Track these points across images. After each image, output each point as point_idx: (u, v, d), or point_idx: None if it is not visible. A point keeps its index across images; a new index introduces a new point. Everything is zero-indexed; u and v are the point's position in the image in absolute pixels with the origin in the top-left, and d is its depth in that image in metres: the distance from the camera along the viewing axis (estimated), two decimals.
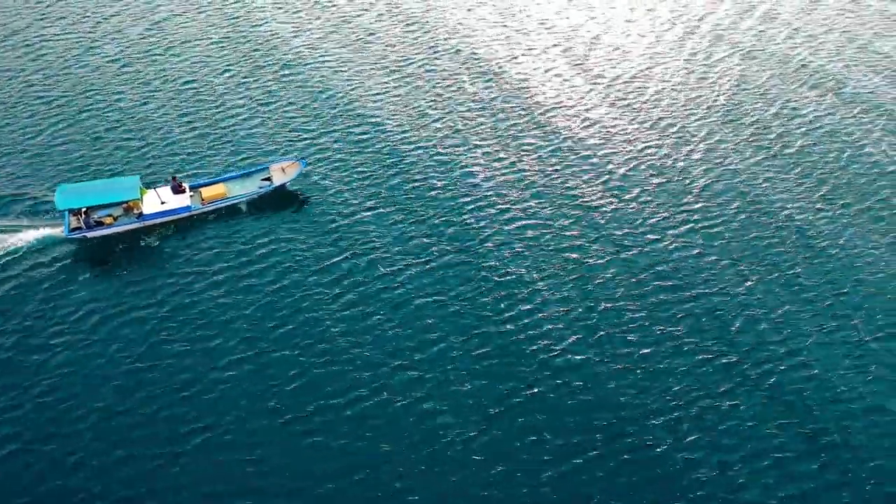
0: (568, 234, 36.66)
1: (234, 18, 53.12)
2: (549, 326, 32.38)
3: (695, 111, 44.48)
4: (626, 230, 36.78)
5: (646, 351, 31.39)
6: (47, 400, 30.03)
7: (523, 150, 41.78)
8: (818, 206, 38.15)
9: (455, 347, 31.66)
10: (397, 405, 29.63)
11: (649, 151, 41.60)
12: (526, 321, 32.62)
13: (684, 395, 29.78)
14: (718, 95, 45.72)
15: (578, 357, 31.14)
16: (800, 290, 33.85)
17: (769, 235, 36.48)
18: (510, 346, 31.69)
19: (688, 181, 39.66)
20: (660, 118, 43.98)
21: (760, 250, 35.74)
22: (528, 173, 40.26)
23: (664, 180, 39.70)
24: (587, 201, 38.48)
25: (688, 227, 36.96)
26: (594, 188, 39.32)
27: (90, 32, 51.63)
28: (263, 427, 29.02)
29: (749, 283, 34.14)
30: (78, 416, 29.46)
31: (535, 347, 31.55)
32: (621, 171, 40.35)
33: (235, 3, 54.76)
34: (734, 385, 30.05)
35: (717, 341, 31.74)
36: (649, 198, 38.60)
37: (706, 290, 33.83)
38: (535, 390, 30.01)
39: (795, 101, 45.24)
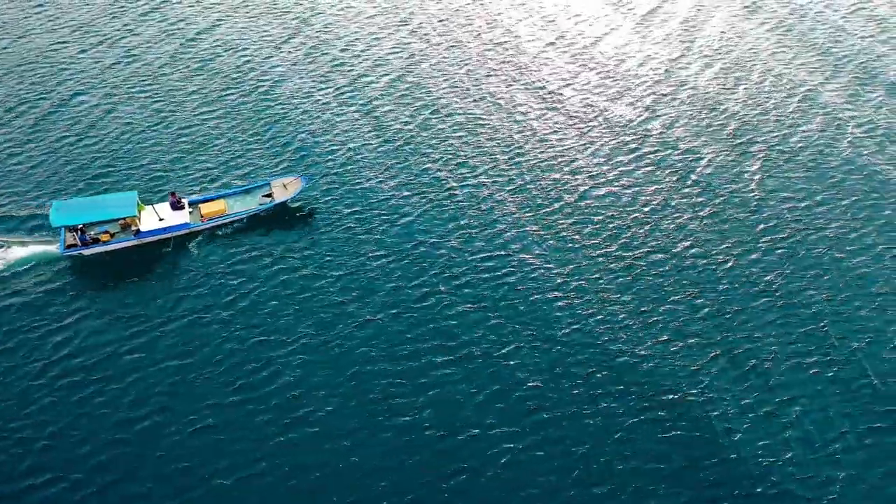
0: (571, 240, 35.74)
1: (235, 33, 52.35)
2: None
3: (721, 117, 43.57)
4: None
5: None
6: (40, 418, 29.32)
7: (535, 166, 40.79)
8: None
9: (465, 362, 30.75)
10: (421, 420, 28.74)
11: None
12: (545, 332, 31.73)
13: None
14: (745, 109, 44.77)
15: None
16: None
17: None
18: (532, 352, 30.79)
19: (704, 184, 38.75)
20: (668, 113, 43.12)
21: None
22: (540, 189, 39.27)
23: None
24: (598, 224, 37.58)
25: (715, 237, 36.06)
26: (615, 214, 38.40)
27: (87, 47, 50.92)
28: (267, 442, 28.14)
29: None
30: (71, 435, 28.73)
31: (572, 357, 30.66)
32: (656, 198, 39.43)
33: (235, 18, 54.00)
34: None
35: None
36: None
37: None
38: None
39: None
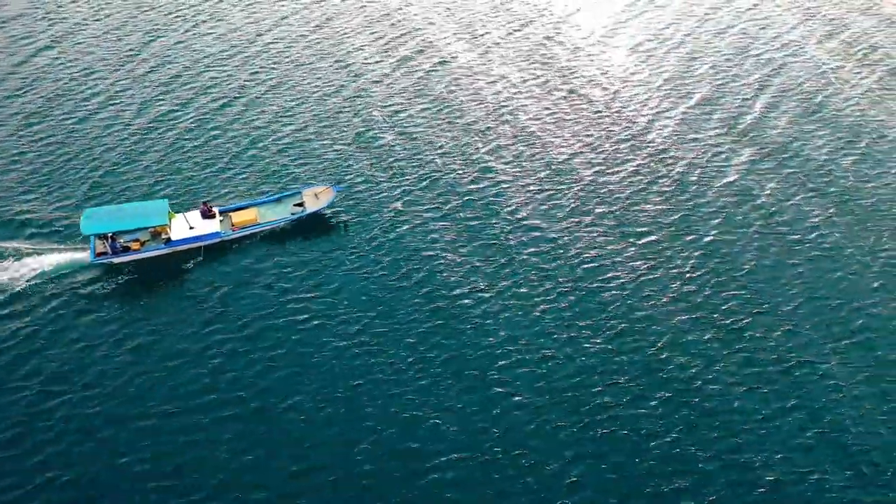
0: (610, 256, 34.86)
1: (266, 40, 52.14)
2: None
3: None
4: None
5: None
6: (70, 426, 28.84)
7: (572, 177, 40.00)
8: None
9: (500, 376, 29.91)
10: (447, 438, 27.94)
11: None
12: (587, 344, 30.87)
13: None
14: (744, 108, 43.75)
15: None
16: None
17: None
18: (571, 371, 29.92)
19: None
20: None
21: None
22: (578, 200, 38.46)
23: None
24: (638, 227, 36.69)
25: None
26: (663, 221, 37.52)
27: (118, 53, 50.88)
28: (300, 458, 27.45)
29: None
30: (98, 442, 28.31)
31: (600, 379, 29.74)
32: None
33: (268, 23, 53.80)
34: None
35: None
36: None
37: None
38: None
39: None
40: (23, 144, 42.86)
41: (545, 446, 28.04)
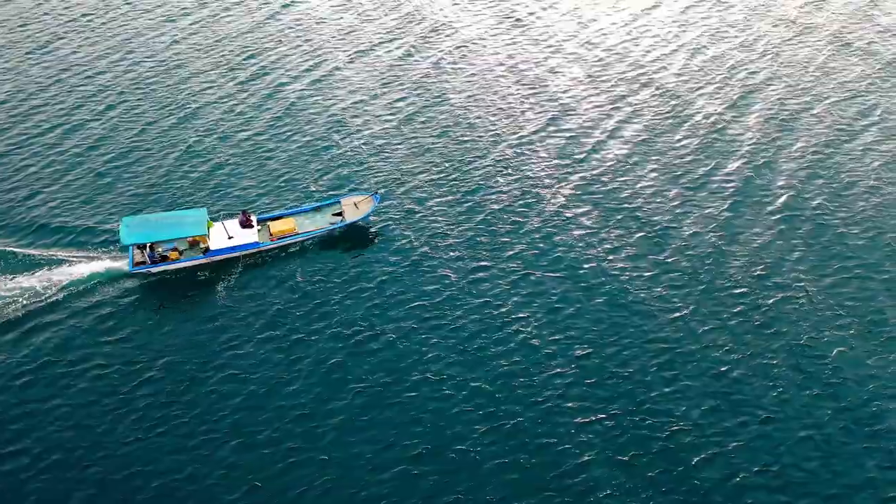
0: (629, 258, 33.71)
1: (307, 48, 51.63)
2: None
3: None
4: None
5: None
6: (108, 438, 28.55)
7: (617, 192, 38.94)
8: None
9: (548, 392, 29.03)
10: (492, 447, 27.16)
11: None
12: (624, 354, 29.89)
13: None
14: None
15: None
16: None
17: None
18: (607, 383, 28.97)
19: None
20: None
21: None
22: (625, 217, 37.40)
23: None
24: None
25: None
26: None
27: (155, 61, 50.65)
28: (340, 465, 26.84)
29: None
30: (131, 451, 27.96)
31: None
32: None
33: (310, 30, 53.28)
34: None
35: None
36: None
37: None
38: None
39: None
40: (62, 153, 42.64)
41: None
